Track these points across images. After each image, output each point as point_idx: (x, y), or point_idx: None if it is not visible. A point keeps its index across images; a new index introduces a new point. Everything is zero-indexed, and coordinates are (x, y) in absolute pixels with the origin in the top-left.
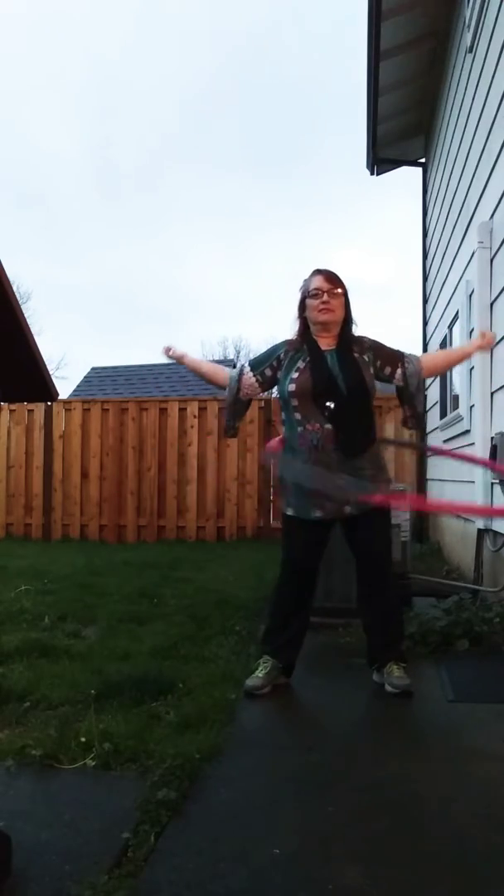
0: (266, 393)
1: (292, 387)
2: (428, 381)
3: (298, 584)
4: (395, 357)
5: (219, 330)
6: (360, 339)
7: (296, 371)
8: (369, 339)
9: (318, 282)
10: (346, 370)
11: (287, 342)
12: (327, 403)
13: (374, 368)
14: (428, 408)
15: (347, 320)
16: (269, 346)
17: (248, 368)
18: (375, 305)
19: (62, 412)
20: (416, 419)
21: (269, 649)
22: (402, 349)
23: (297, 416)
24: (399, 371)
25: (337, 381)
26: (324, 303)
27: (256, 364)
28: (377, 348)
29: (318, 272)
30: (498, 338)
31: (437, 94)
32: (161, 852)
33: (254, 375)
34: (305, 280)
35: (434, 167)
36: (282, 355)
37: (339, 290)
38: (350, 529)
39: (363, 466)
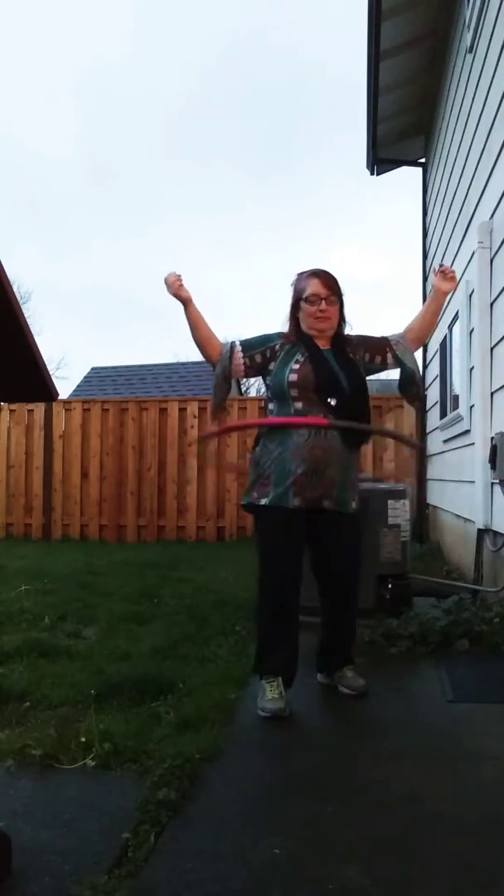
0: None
1: (293, 377)
2: (429, 380)
3: (284, 590)
4: (382, 343)
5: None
6: (349, 339)
7: (295, 363)
8: (354, 336)
9: (316, 287)
10: (346, 370)
11: (281, 334)
12: (329, 399)
13: (363, 366)
14: (428, 408)
15: (341, 322)
16: (261, 334)
17: (238, 348)
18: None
19: (62, 412)
20: (416, 387)
21: (270, 669)
22: (385, 334)
23: (298, 405)
24: (389, 355)
25: (339, 379)
26: (321, 311)
27: (248, 346)
28: (364, 342)
29: (314, 275)
30: (498, 338)
31: (437, 94)
32: (161, 852)
33: (243, 357)
34: (300, 278)
35: (434, 167)
36: (277, 346)
37: (335, 297)
38: (318, 536)
39: (353, 465)
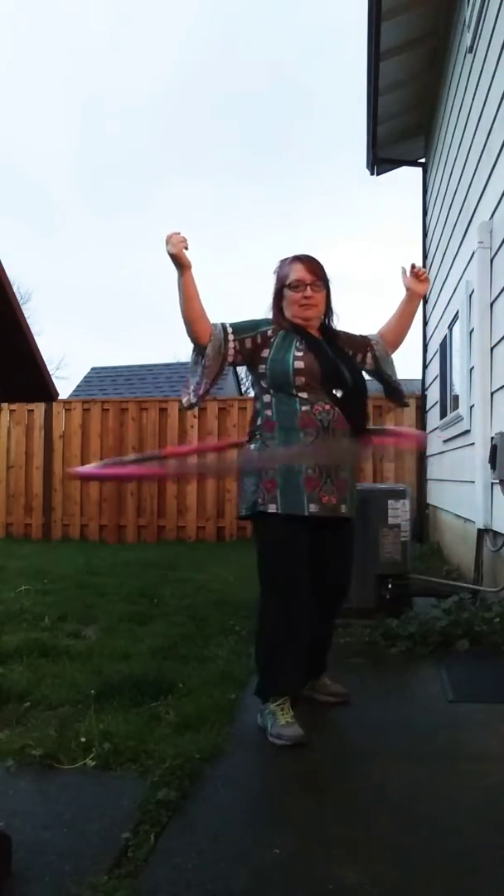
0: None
1: (299, 364)
2: (429, 380)
3: (297, 607)
4: (364, 342)
5: None
6: (337, 333)
7: (298, 350)
8: (341, 332)
9: (299, 272)
10: (345, 362)
11: (270, 321)
12: (335, 391)
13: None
14: (428, 408)
15: (328, 312)
16: (250, 318)
17: (230, 330)
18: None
19: (62, 412)
20: (399, 395)
21: (279, 691)
22: (365, 333)
23: (304, 395)
24: (369, 355)
25: (342, 370)
26: (306, 297)
27: (239, 330)
28: (348, 339)
29: (297, 259)
30: (498, 338)
31: (437, 94)
32: (161, 852)
33: (234, 340)
34: (282, 264)
35: (434, 167)
36: (269, 332)
37: (321, 283)
38: (321, 545)
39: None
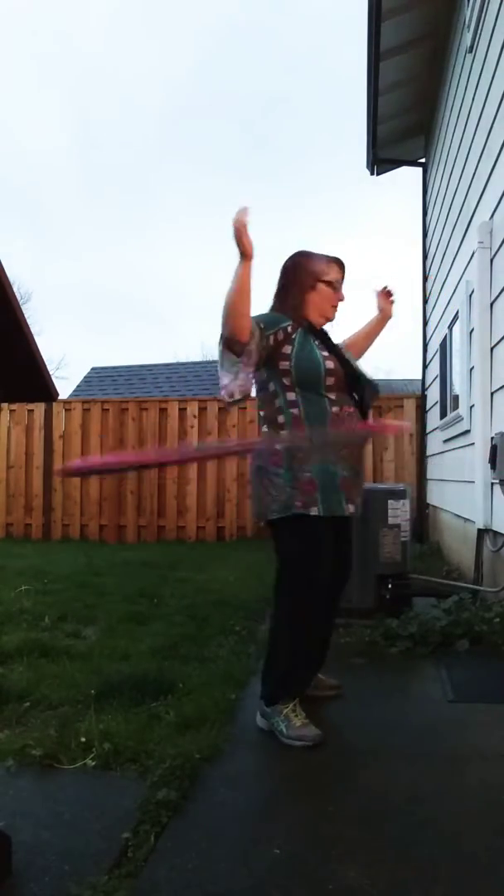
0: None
1: (330, 364)
2: (429, 380)
3: (321, 609)
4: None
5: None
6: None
7: (324, 350)
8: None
9: (337, 273)
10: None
11: (285, 317)
12: (354, 394)
13: None
14: (428, 408)
15: None
16: (268, 313)
17: (262, 326)
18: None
19: (62, 412)
20: (376, 389)
21: (293, 691)
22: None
23: (332, 395)
24: None
25: (361, 373)
26: (341, 300)
27: (267, 325)
28: None
29: (335, 261)
30: (498, 338)
31: (437, 94)
32: (161, 852)
33: (270, 335)
34: (316, 258)
35: (434, 167)
36: (289, 328)
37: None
38: (336, 545)
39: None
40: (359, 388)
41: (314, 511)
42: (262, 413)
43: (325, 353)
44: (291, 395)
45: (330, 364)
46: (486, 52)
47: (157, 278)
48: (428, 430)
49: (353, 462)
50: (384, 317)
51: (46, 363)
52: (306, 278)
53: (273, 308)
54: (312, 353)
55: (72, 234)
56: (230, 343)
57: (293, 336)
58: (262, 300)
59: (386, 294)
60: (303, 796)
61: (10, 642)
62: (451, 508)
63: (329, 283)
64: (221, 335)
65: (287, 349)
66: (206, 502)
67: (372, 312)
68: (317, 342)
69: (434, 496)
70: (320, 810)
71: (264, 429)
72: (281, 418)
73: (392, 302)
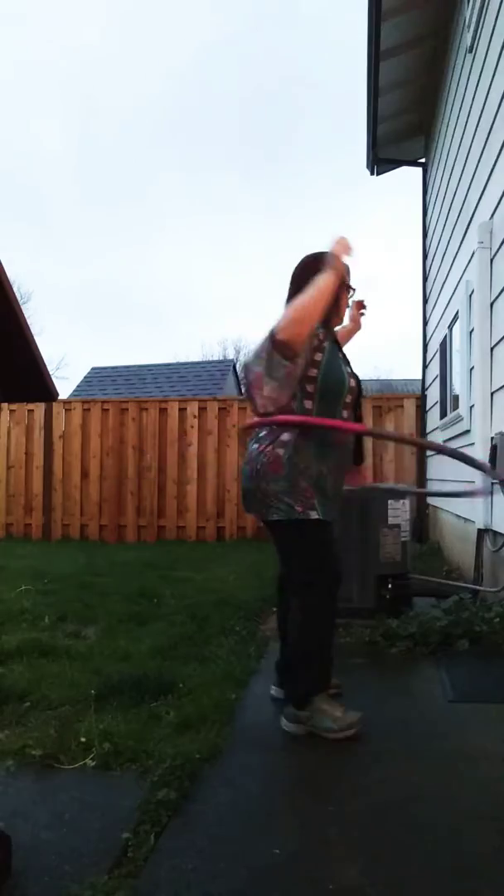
0: None
1: (352, 382)
2: (429, 380)
3: (335, 599)
4: None
5: (218, 330)
6: None
7: (346, 365)
8: None
9: (351, 280)
10: None
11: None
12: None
13: None
14: (428, 408)
15: None
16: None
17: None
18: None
19: (62, 412)
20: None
21: (323, 685)
22: None
23: (345, 413)
24: None
25: (361, 390)
26: (347, 305)
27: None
28: None
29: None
30: (498, 338)
31: (437, 94)
32: (161, 852)
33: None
34: (344, 263)
35: (434, 167)
36: (321, 335)
37: None
38: None
39: None
40: (359, 404)
41: (314, 515)
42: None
43: (349, 370)
44: (309, 403)
45: (352, 382)
46: (486, 52)
47: (157, 278)
48: (428, 430)
49: (342, 479)
50: (354, 327)
51: (46, 363)
52: (340, 280)
53: None
54: (340, 369)
55: (72, 234)
56: (284, 347)
57: (324, 344)
58: (258, 304)
59: (359, 305)
60: (303, 796)
61: (10, 642)
62: (451, 508)
63: (348, 288)
64: (277, 339)
65: (318, 356)
66: (206, 502)
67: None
68: (341, 355)
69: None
70: (320, 810)
71: (262, 436)
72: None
73: (363, 314)
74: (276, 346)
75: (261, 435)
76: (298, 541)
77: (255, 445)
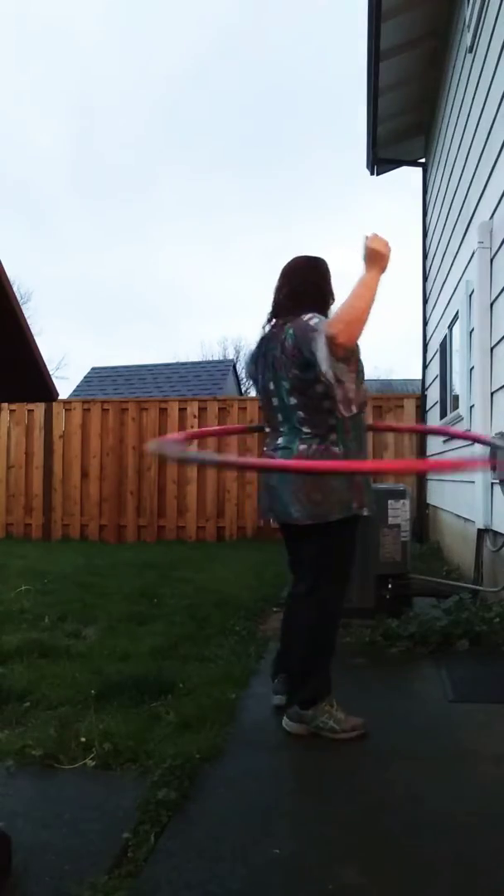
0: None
1: (368, 395)
2: (429, 380)
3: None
4: None
5: (218, 330)
6: None
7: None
8: None
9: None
10: None
11: None
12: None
13: None
14: (428, 408)
15: None
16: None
17: None
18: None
19: (62, 412)
20: None
21: (330, 686)
22: None
23: (363, 414)
24: None
25: None
26: None
27: None
28: None
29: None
30: (498, 338)
31: (437, 94)
32: (161, 852)
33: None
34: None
35: (434, 167)
36: None
37: None
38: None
39: None
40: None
41: (366, 511)
42: (302, 415)
43: (363, 384)
44: (327, 403)
45: (369, 394)
46: (486, 52)
47: (157, 278)
48: None
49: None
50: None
51: (46, 363)
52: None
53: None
54: (363, 376)
55: (72, 234)
56: (341, 349)
57: (357, 353)
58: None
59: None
60: (303, 796)
61: (10, 642)
62: (451, 508)
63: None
64: (337, 343)
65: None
66: (206, 502)
67: None
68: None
69: (434, 496)
70: (320, 810)
71: (306, 436)
72: (331, 429)
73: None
74: (335, 349)
75: (305, 433)
76: (350, 538)
77: (303, 446)
